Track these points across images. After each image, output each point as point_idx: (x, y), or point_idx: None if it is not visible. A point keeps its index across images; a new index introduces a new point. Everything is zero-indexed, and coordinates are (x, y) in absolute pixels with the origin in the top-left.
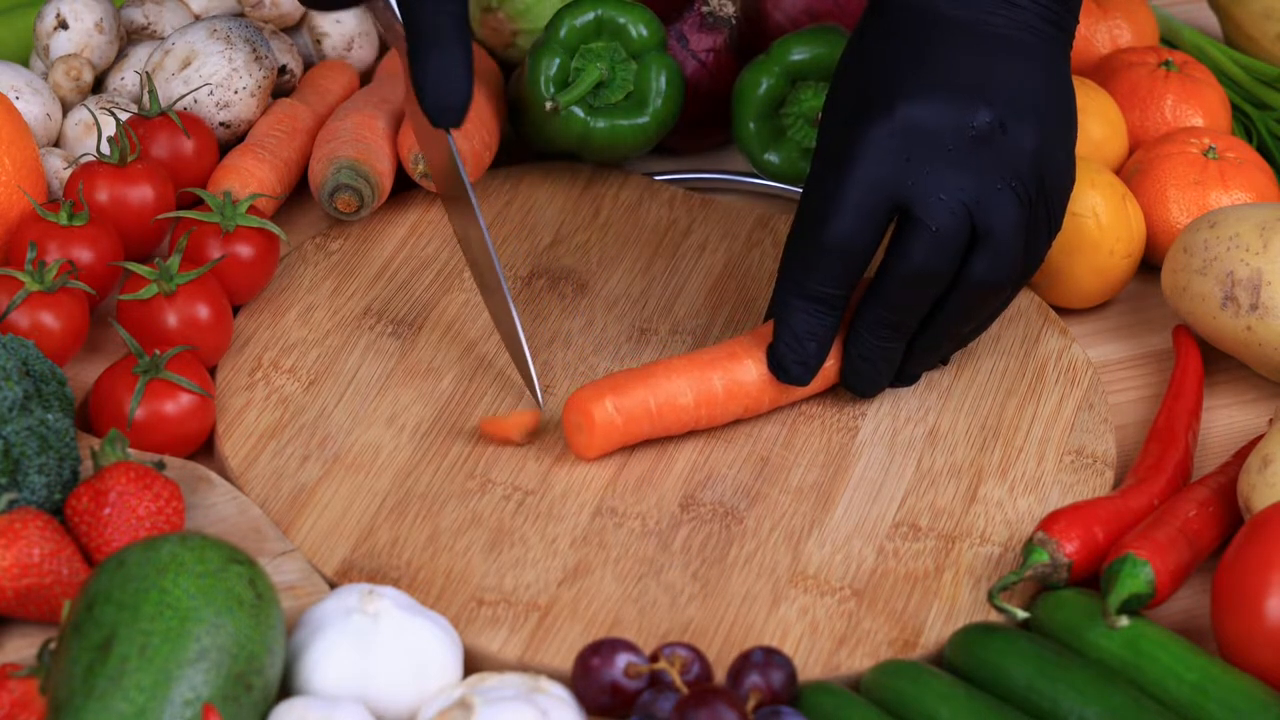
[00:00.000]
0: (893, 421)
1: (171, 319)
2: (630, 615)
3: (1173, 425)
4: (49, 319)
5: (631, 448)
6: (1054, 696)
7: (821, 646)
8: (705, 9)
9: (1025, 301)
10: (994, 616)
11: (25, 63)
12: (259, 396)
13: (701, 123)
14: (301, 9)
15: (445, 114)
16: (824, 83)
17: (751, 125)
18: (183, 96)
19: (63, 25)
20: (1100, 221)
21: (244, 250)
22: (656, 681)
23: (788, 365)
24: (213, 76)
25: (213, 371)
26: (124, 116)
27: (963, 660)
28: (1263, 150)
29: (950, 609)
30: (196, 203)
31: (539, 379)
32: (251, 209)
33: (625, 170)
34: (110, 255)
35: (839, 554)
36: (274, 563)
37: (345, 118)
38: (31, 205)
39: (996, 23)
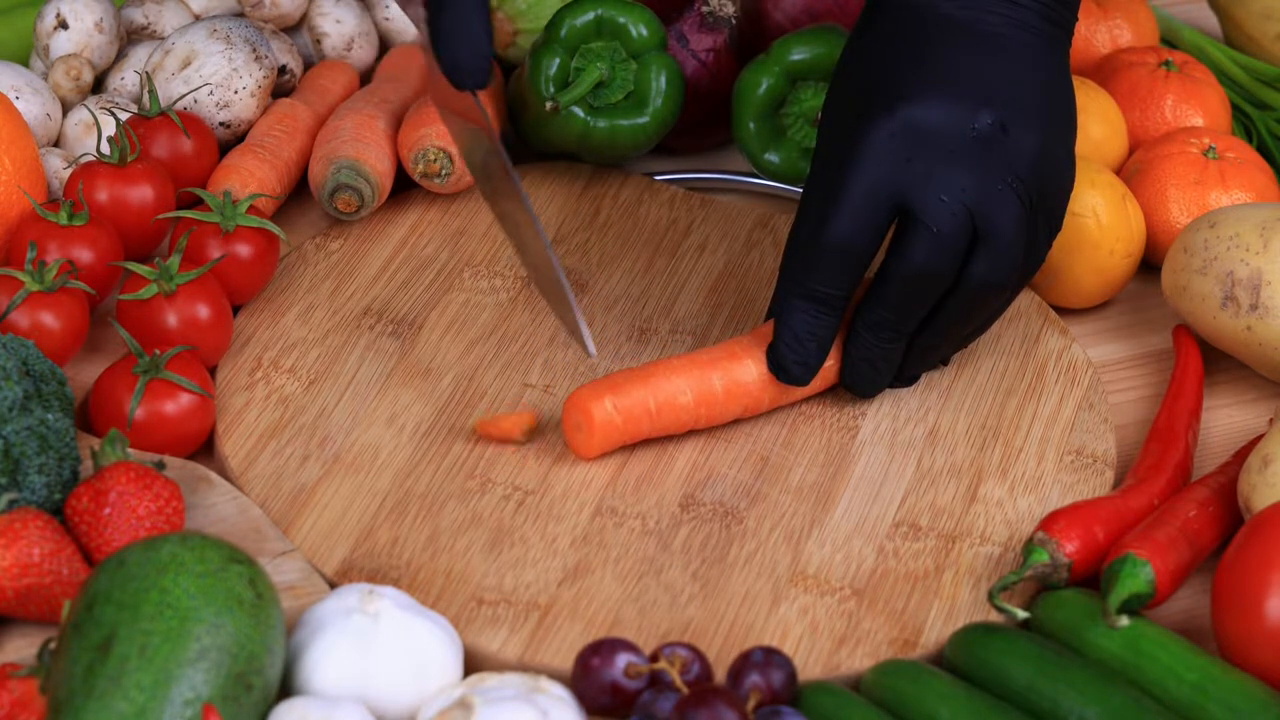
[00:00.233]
0: (893, 421)
1: (171, 319)
2: (630, 615)
3: (1173, 425)
4: (49, 319)
5: (631, 447)
6: (1054, 696)
7: (821, 646)
8: (705, 9)
9: (1025, 301)
10: (994, 616)
11: (25, 63)
12: (259, 396)
13: (701, 123)
14: (301, 9)
15: (466, 74)
16: (824, 83)
17: (751, 125)
18: (183, 96)
19: (63, 25)
20: (1100, 221)
21: (244, 250)
22: (656, 681)
23: (788, 365)
24: (213, 76)
25: (213, 371)
26: (124, 116)
27: (963, 660)
28: (1263, 150)
29: (950, 609)
30: (196, 203)
31: (542, 380)
32: (251, 209)
33: (625, 170)
34: (110, 255)
35: (839, 554)
36: (274, 563)
37: (345, 118)
38: (31, 205)
39: (996, 22)
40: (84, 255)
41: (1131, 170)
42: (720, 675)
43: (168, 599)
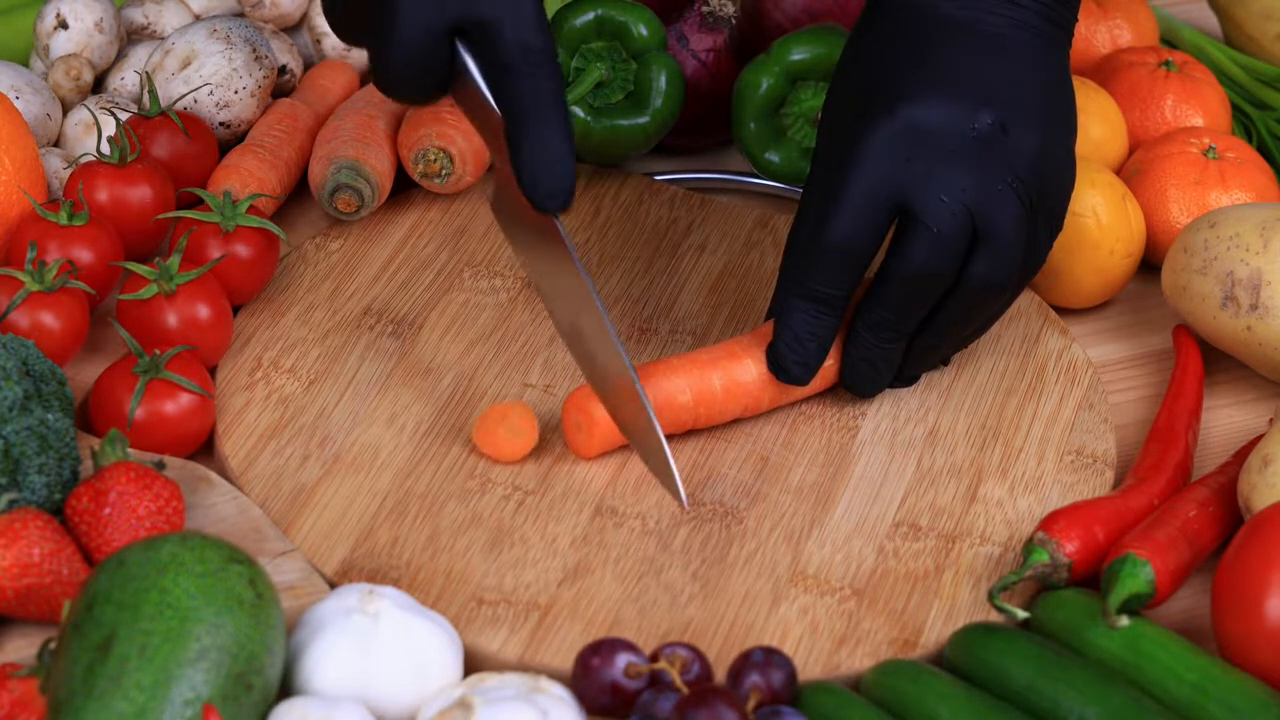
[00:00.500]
0: (893, 421)
1: (171, 319)
2: (630, 615)
3: (1173, 425)
4: (49, 319)
5: (631, 447)
6: (1054, 696)
7: (821, 646)
8: (705, 9)
9: (1025, 301)
10: (994, 616)
11: (25, 63)
12: (259, 396)
13: (701, 123)
14: (301, 9)
15: (550, 197)
16: (824, 83)
17: (751, 125)
18: (183, 96)
19: (63, 25)
20: (1100, 221)
21: (244, 250)
22: (656, 681)
23: (788, 365)
24: (213, 76)
25: (213, 371)
26: (124, 116)
27: (963, 660)
28: (1263, 150)
29: (950, 609)
30: (196, 203)
31: (542, 380)
32: (251, 209)
33: (625, 170)
34: (110, 255)
35: (839, 554)
36: (274, 563)
37: (345, 118)
38: (31, 205)
39: (996, 22)
40: (84, 255)
41: (1131, 170)
42: (720, 675)
43: (168, 599)
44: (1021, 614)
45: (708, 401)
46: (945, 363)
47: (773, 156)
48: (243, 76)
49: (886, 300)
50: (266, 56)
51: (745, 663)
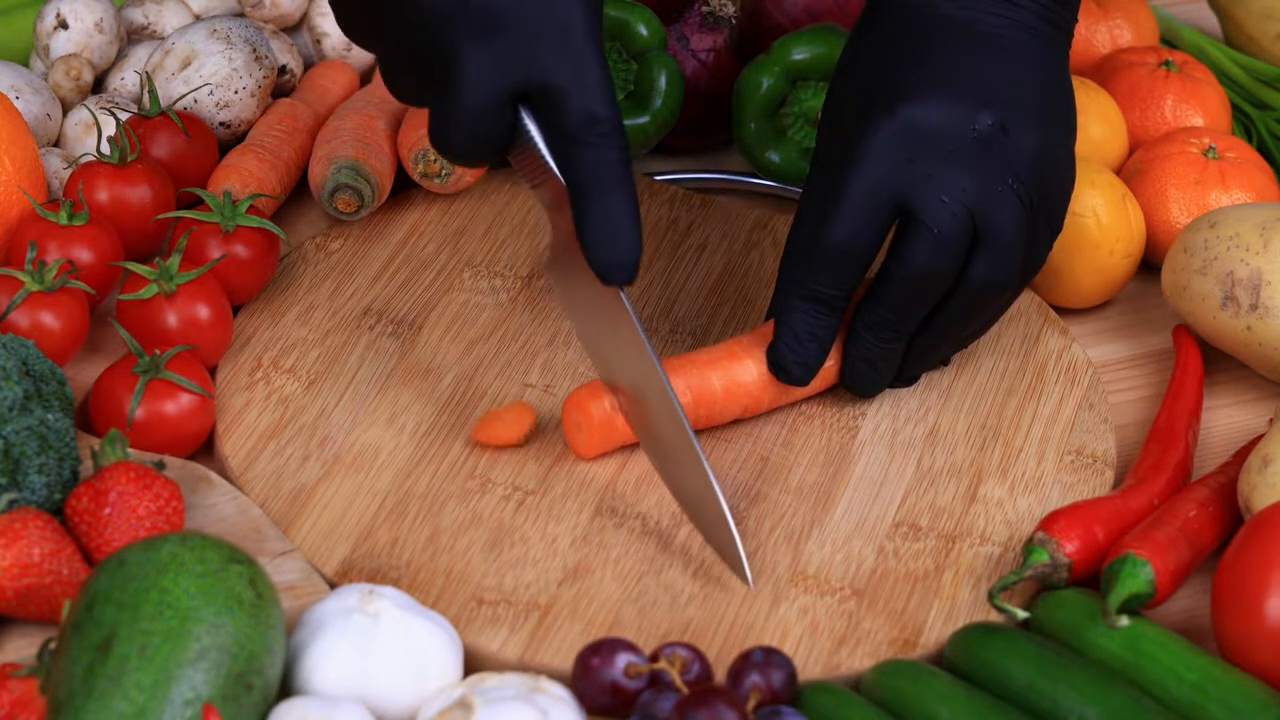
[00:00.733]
0: (893, 421)
1: (171, 319)
2: (630, 615)
3: (1173, 425)
4: (49, 319)
5: (631, 447)
6: (1054, 696)
7: (821, 646)
8: (705, 9)
9: (1025, 301)
10: (994, 616)
11: (25, 63)
12: (259, 396)
13: (701, 123)
14: (301, 9)
15: (618, 270)
16: (824, 83)
17: (752, 125)
18: (183, 96)
19: (63, 25)
20: (1100, 221)
21: (244, 250)
22: (656, 681)
23: (788, 365)
24: (213, 76)
25: (213, 371)
26: (124, 116)
27: (963, 660)
28: (1263, 150)
29: (950, 609)
30: (196, 203)
31: (542, 380)
32: (251, 209)
33: None
34: (110, 255)
35: (839, 554)
36: (274, 563)
37: (345, 118)
38: (31, 205)
39: (996, 23)
40: (84, 255)
41: (1131, 170)
42: (720, 675)
43: (168, 599)
44: (1021, 614)
45: (708, 402)
46: (945, 363)
47: (773, 156)
48: (243, 76)
49: (887, 300)
50: (266, 56)
51: (745, 663)
